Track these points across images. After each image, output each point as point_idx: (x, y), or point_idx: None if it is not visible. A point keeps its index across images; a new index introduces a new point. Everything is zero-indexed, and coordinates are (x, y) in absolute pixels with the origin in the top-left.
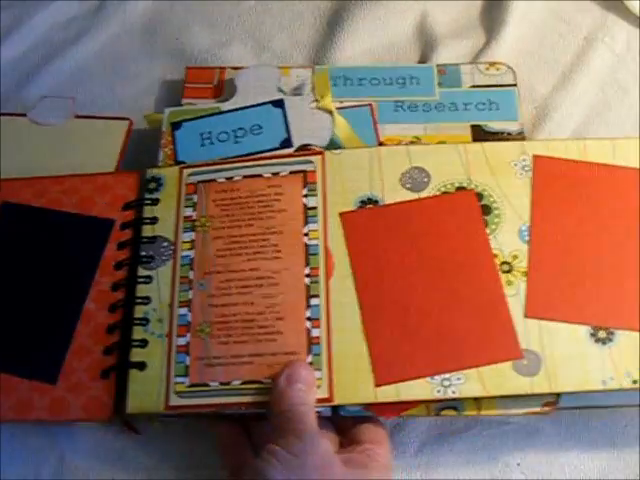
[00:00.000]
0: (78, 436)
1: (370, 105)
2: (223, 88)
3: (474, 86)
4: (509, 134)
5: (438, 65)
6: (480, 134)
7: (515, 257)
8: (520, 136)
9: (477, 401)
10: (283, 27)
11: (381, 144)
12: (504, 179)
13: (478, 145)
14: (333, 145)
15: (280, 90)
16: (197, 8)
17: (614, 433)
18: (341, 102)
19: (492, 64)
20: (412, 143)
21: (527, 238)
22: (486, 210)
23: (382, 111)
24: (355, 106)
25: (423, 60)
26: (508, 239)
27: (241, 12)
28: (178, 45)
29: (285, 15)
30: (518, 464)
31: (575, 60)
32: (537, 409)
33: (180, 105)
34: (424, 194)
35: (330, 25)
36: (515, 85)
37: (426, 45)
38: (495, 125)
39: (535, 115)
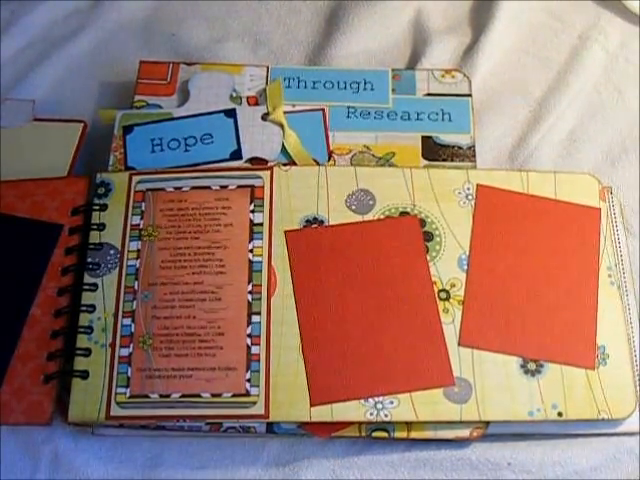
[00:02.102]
0: (73, 432)
1: (323, 110)
2: (176, 85)
3: (428, 94)
4: (460, 148)
5: (393, 70)
6: (431, 146)
7: (453, 285)
8: (470, 151)
9: (408, 424)
10: (280, 24)
11: (331, 153)
12: (447, 206)
13: (424, 171)
14: (283, 159)
15: (234, 91)
16: (193, 4)
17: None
18: (294, 106)
19: (448, 71)
20: (361, 153)
21: (466, 267)
22: (428, 237)
23: (334, 116)
24: (307, 110)
25: (416, 57)
26: (447, 267)
27: (238, 8)
28: (174, 41)
29: (282, 12)
30: (509, 464)
31: (569, 59)
32: (466, 434)
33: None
34: (369, 216)
35: (327, 23)
36: (470, 95)
37: (420, 42)
38: (446, 137)
39: (530, 118)
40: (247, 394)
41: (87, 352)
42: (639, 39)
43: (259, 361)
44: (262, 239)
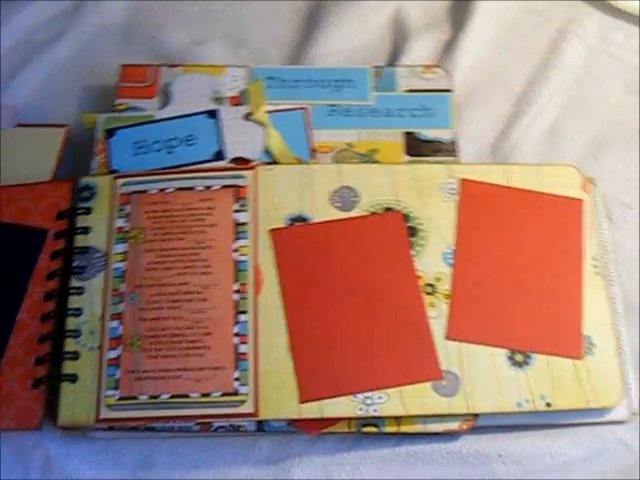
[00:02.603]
0: (63, 436)
1: (305, 109)
2: (157, 87)
3: (410, 90)
4: (442, 143)
5: (375, 67)
6: (413, 142)
7: (438, 279)
8: (452, 146)
9: (397, 418)
10: (261, 24)
11: (314, 151)
12: (431, 202)
13: (407, 167)
14: (266, 158)
15: (216, 92)
16: (173, 6)
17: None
18: (276, 105)
19: (428, 67)
20: (344, 151)
21: (451, 261)
22: (412, 232)
23: (316, 115)
24: (290, 109)
25: (396, 55)
26: (432, 261)
27: (218, 9)
28: (155, 44)
29: (263, 12)
30: (499, 455)
31: (549, 53)
32: (455, 427)
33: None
34: (353, 213)
35: (307, 22)
36: (451, 91)
37: (400, 40)
38: (428, 133)
39: (511, 112)
40: (236, 393)
41: (75, 355)
42: (618, 32)
43: (247, 360)
44: (247, 238)
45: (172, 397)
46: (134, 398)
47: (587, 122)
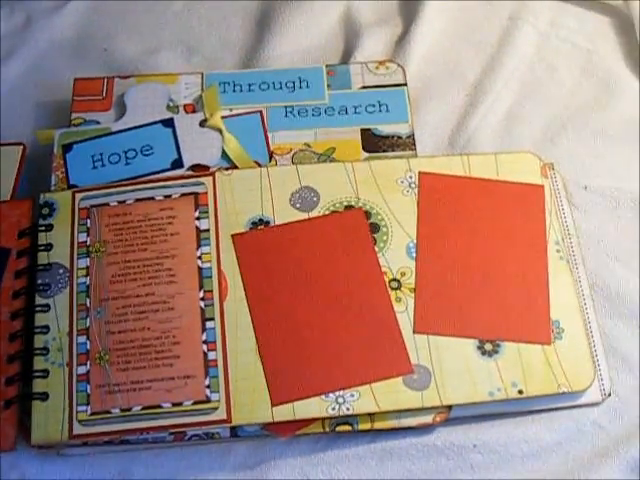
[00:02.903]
0: (38, 455)
1: (260, 112)
2: (112, 99)
3: (364, 87)
4: (399, 137)
5: (327, 66)
6: (370, 138)
7: (403, 274)
8: (409, 140)
9: (371, 415)
10: (212, 30)
11: (272, 154)
12: (391, 197)
13: (365, 163)
14: (224, 163)
15: (171, 101)
16: (124, 17)
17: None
18: (231, 110)
19: (382, 63)
20: (301, 151)
21: (414, 255)
22: (374, 228)
23: (272, 117)
24: (245, 113)
25: (349, 52)
26: (396, 256)
27: (168, 18)
28: (107, 56)
29: (213, 18)
30: (474, 445)
31: (501, 41)
32: (429, 420)
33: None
34: (314, 213)
35: (258, 25)
36: (405, 84)
37: (352, 36)
38: (385, 128)
39: (467, 102)
40: (208, 400)
41: (45, 373)
42: (569, 16)
43: (217, 367)
44: (210, 245)
45: (144, 409)
46: (106, 412)
47: (543, 107)
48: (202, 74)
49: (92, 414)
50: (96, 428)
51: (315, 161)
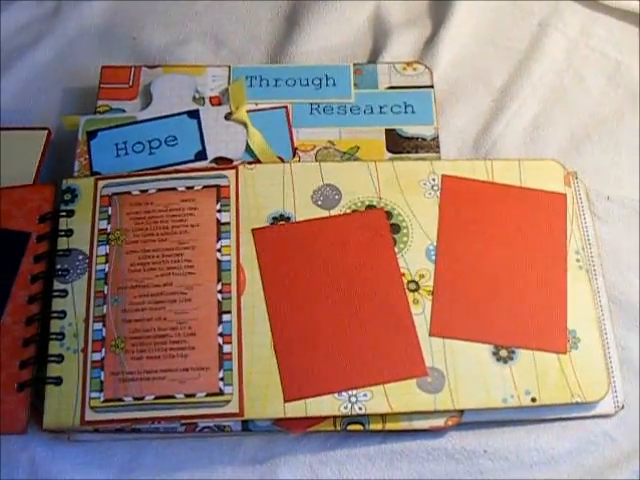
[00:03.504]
0: (49, 440)
1: (285, 108)
2: (139, 88)
3: (391, 87)
4: (423, 139)
5: (355, 65)
6: (395, 139)
7: (422, 276)
8: (434, 142)
9: (382, 416)
10: (240, 23)
11: (295, 150)
12: (413, 198)
13: (389, 164)
14: (247, 158)
15: (197, 92)
16: (154, 7)
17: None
18: (257, 104)
19: (409, 64)
20: (325, 149)
21: (434, 257)
22: (395, 229)
23: (297, 113)
24: (270, 108)
25: (377, 52)
26: (416, 258)
27: (197, 9)
28: (135, 45)
29: (242, 11)
30: (485, 451)
31: (530, 47)
32: (441, 424)
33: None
34: (335, 211)
35: (287, 21)
36: (432, 87)
37: (380, 36)
38: (410, 129)
39: (493, 107)
40: (221, 393)
41: (59, 358)
42: (599, 25)
43: (231, 360)
44: (230, 238)
45: (157, 398)
46: (119, 400)
47: (569, 116)
48: (229, 67)
49: (105, 401)
50: (108, 415)
51: (338, 159)
